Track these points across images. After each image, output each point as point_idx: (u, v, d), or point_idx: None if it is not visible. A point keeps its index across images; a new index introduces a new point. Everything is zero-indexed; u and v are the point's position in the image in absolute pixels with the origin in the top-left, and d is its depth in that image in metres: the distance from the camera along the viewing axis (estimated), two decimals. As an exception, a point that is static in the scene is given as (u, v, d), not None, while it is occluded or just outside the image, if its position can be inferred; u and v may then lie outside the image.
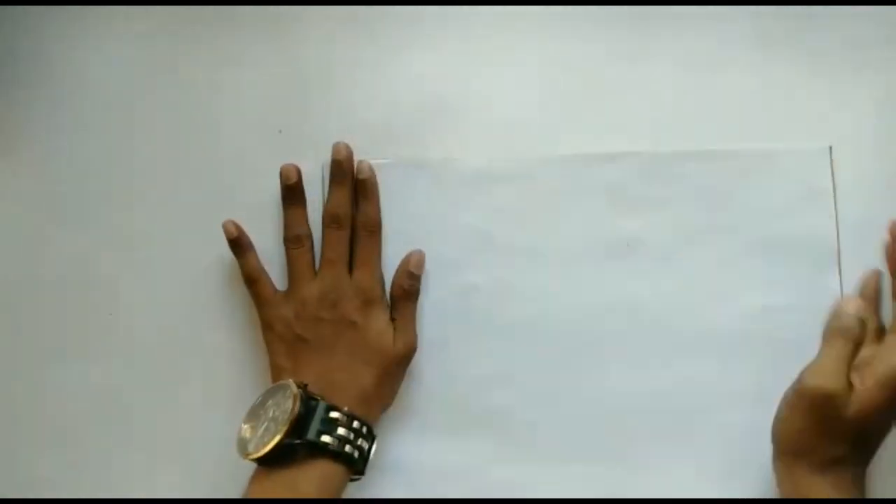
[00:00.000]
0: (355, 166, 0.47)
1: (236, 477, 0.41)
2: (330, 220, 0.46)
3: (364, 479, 0.44)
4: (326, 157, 0.47)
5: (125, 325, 0.49)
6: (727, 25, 0.49)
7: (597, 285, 0.47)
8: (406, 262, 0.46)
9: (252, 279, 0.46)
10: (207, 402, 0.47)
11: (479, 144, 0.49)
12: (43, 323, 0.49)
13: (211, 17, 0.50)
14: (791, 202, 0.48)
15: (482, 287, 0.47)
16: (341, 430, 0.40)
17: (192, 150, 0.50)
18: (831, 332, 0.40)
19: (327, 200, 0.46)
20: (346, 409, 0.41)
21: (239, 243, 0.46)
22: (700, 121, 0.49)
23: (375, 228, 0.46)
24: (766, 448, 0.44)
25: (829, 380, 0.38)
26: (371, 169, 0.46)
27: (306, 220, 0.46)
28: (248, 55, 0.50)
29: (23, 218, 0.50)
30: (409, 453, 0.46)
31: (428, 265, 0.47)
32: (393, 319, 0.45)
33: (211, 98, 0.50)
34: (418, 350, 0.46)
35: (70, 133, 0.50)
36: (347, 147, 0.47)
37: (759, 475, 0.45)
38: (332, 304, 0.44)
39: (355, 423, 0.41)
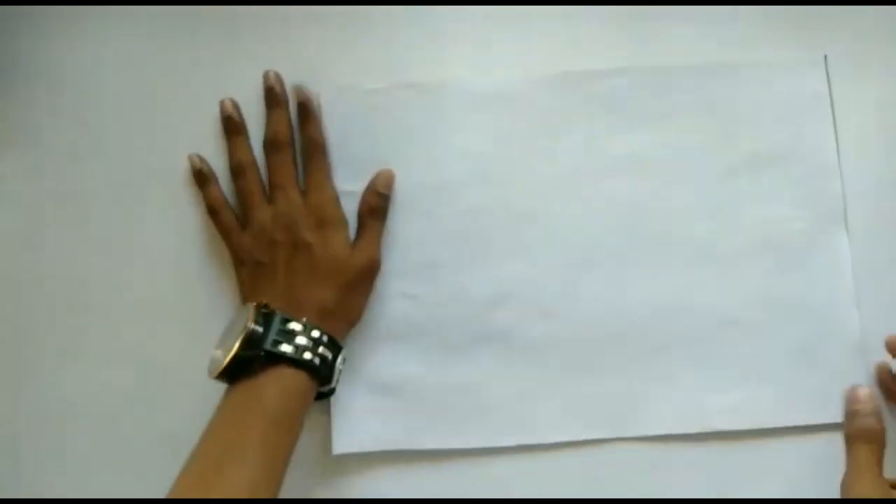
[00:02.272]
0: (289, 92, 0.47)
1: None
2: (269, 145, 0.46)
3: (366, 400, 0.45)
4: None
5: (125, 324, 0.48)
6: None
7: (598, 202, 0.47)
8: (374, 180, 0.46)
9: (214, 209, 0.46)
10: (207, 402, 0.46)
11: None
12: (42, 323, 0.48)
13: (211, 17, 0.50)
14: (789, 112, 0.47)
15: (483, 209, 0.47)
16: (300, 340, 0.41)
17: (192, 149, 0.49)
18: (853, 435, 0.43)
19: (265, 128, 0.47)
20: (304, 319, 0.41)
21: (202, 174, 0.47)
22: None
23: (319, 148, 0.46)
24: (770, 356, 0.46)
25: (869, 489, 0.40)
26: (307, 92, 0.46)
27: (248, 149, 0.47)
28: (247, 55, 0.49)
29: (23, 218, 0.49)
30: (412, 373, 0.46)
31: (428, 189, 0.47)
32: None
33: (210, 98, 0.49)
34: (420, 272, 0.46)
35: (70, 133, 0.50)
36: (277, 74, 0.47)
37: (761, 386, 0.46)
38: (286, 227, 0.44)
39: (314, 332, 0.41)
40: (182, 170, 0.49)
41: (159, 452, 0.45)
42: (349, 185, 0.47)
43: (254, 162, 0.46)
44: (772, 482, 0.46)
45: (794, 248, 0.47)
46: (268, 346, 0.40)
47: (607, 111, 0.48)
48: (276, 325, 0.40)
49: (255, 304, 0.41)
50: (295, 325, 0.41)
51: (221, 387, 0.43)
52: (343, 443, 0.45)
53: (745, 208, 0.47)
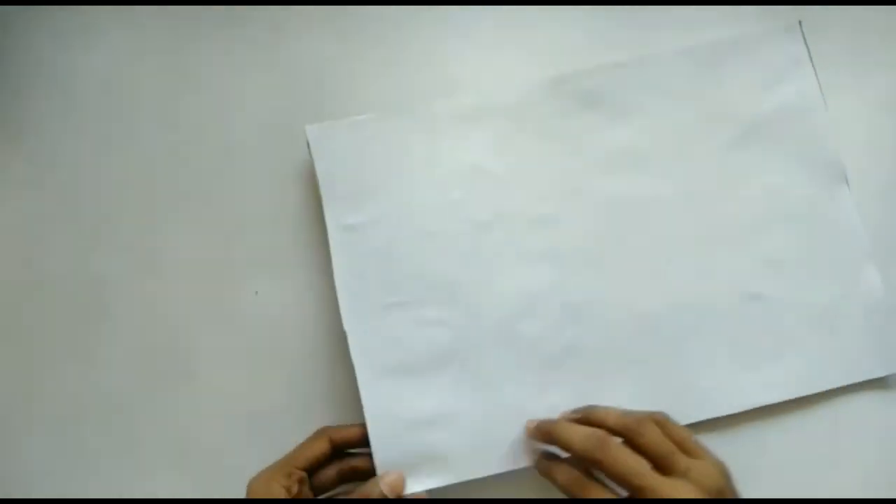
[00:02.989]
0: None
1: (236, 477, 0.41)
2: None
3: (407, 440, 0.43)
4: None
5: (126, 324, 0.48)
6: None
7: (604, 199, 0.47)
8: (383, 476, 0.42)
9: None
10: (207, 403, 0.47)
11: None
12: (43, 323, 0.48)
13: (211, 17, 0.50)
14: (773, 80, 0.48)
15: (490, 221, 0.46)
16: None
17: (192, 148, 0.49)
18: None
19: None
20: None
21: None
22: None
23: None
24: (796, 325, 0.46)
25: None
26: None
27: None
28: (247, 54, 0.50)
29: (23, 218, 0.49)
30: (450, 403, 0.44)
31: (432, 209, 0.46)
32: None
33: (210, 97, 0.50)
34: (439, 294, 0.45)
35: (70, 133, 0.50)
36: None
37: (793, 356, 0.46)
38: None
39: None
40: (183, 168, 0.49)
41: (160, 453, 0.47)
42: (350, 218, 0.46)
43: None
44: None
45: (801, 213, 0.47)
46: None
47: (598, 108, 0.47)
48: None
49: None
50: None
51: (225, 386, 0.44)
52: (390, 487, 0.43)
53: (748, 182, 0.47)
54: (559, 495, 0.40)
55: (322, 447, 0.42)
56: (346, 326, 0.44)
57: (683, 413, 0.44)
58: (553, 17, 0.50)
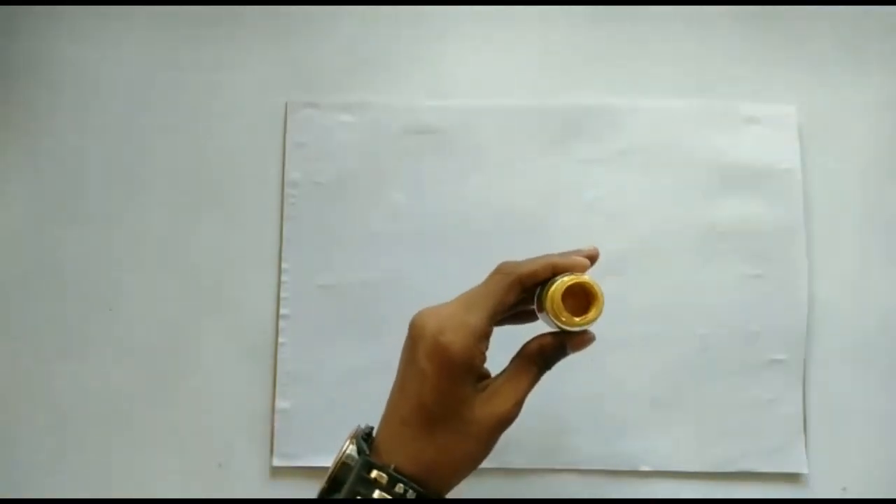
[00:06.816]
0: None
1: (236, 476, 0.41)
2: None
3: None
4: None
5: (125, 323, 0.47)
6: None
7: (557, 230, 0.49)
8: (572, 338, 0.36)
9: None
10: (207, 401, 0.47)
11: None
12: (43, 323, 0.47)
13: (211, 17, 0.52)
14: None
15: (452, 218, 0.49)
16: (378, 494, 0.33)
17: (192, 148, 0.50)
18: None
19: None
20: (392, 466, 0.33)
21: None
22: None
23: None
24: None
25: None
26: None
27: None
28: (247, 55, 0.51)
29: (23, 218, 0.48)
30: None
31: (387, 210, 0.49)
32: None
33: (211, 97, 0.51)
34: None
35: (70, 133, 0.50)
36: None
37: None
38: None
39: (398, 487, 0.33)
40: (181, 167, 0.49)
41: (160, 453, 0.46)
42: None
43: None
44: None
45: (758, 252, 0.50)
46: (343, 494, 0.33)
47: (569, 143, 0.50)
48: (357, 468, 0.33)
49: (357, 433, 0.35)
50: (377, 474, 0.33)
51: (225, 384, 0.45)
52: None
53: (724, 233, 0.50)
54: (559, 495, 0.41)
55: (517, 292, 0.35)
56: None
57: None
58: (550, 17, 0.52)
